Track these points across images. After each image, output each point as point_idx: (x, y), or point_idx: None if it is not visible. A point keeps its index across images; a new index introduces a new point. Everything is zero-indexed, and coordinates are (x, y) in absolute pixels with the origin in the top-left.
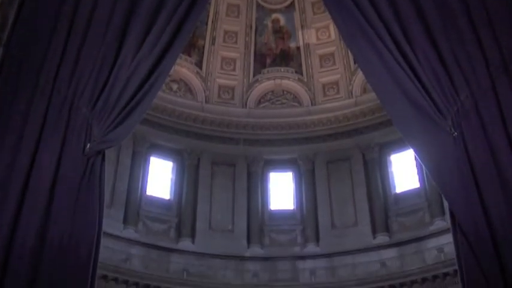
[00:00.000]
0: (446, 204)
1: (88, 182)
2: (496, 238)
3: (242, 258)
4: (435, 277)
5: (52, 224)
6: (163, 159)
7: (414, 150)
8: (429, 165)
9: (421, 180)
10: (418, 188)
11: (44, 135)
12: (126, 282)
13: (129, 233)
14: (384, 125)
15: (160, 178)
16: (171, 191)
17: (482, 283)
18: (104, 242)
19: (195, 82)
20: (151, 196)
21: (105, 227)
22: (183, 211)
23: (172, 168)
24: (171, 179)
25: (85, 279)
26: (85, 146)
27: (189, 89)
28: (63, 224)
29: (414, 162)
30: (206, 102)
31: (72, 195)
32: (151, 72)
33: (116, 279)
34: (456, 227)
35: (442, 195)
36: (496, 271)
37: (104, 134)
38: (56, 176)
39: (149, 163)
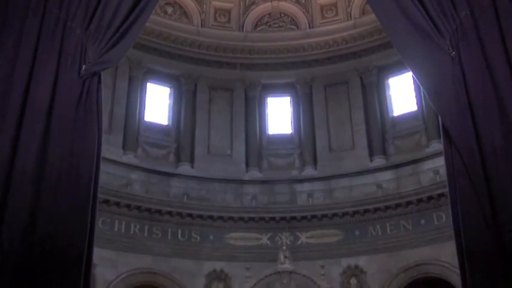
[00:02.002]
0: None
1: (85, 104)
2: (488, 158)
3: (241, 182)
4: (430, 198)
5: (51, 146)
6: (160, 84)
7: (412, 71)
8: (426, 85)
9: (419, 103)
10: (416, 111)
11: (38, 57)
12: (128, 206)
13: (129, 158)
14: (383, 47)
15: (158, 104)
16: (169, 117)
17: (474, 202)
18: (104, 167)
19: (190, 5)
20: (149, 122)
21: (105, 153)
22: (182, 136)
23: (170, 94)
24: (169, 105)
25: (86, 203)
26: (80, 67)
27: (184, 12)
28: (63, 147)
29: (412, 85)
30: (202, 26)
31: (70, 118)
32: None
33: (117, 204)
34: (451, 146)
35: (438, 114)
36: (487, 190)
37: (99, 56)
38: (52, 98)
39: (146, 89)
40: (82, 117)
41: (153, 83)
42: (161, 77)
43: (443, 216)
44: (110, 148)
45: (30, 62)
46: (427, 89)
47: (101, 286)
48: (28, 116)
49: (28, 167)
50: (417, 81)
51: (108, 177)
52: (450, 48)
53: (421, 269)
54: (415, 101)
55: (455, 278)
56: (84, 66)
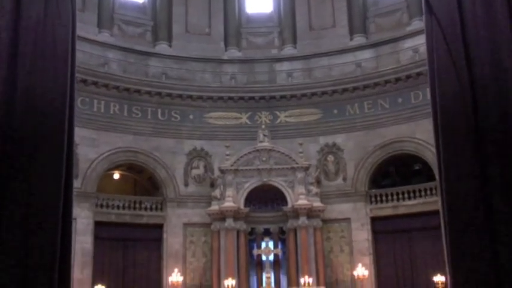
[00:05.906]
0: None
1: None
2: (468, 32)
3: (220, 61)
4: (408, 77)
5: (24, 20)
6: None
7: None
8: None
9: None
10: None
11: None
12: (106, 86)
13: (105, 36)
14: None
15: None
16: None
17: (452, 74)
18: (80, 46)
19: None
20: None
21: (80, 31)
22: (158, 14)
23: None
24: None
25: (63, 79)
26: None
27: None
28: (35, 21)
29: None
30: None
31: None
32: None
33: (95, 83)
34: (431, 18)
35: None
36: (464, 62)
37: None
38: None
39: None
40: None
41: None
42: None
43: (420, 95)
44: (85, 26)
45: None
46: None
47: (84, 164)
48: None
49: (1, 44)
50: None
51: (84, 56)
52: None
53: (396, 146)
54: None
55: (428, 154)
56: None
